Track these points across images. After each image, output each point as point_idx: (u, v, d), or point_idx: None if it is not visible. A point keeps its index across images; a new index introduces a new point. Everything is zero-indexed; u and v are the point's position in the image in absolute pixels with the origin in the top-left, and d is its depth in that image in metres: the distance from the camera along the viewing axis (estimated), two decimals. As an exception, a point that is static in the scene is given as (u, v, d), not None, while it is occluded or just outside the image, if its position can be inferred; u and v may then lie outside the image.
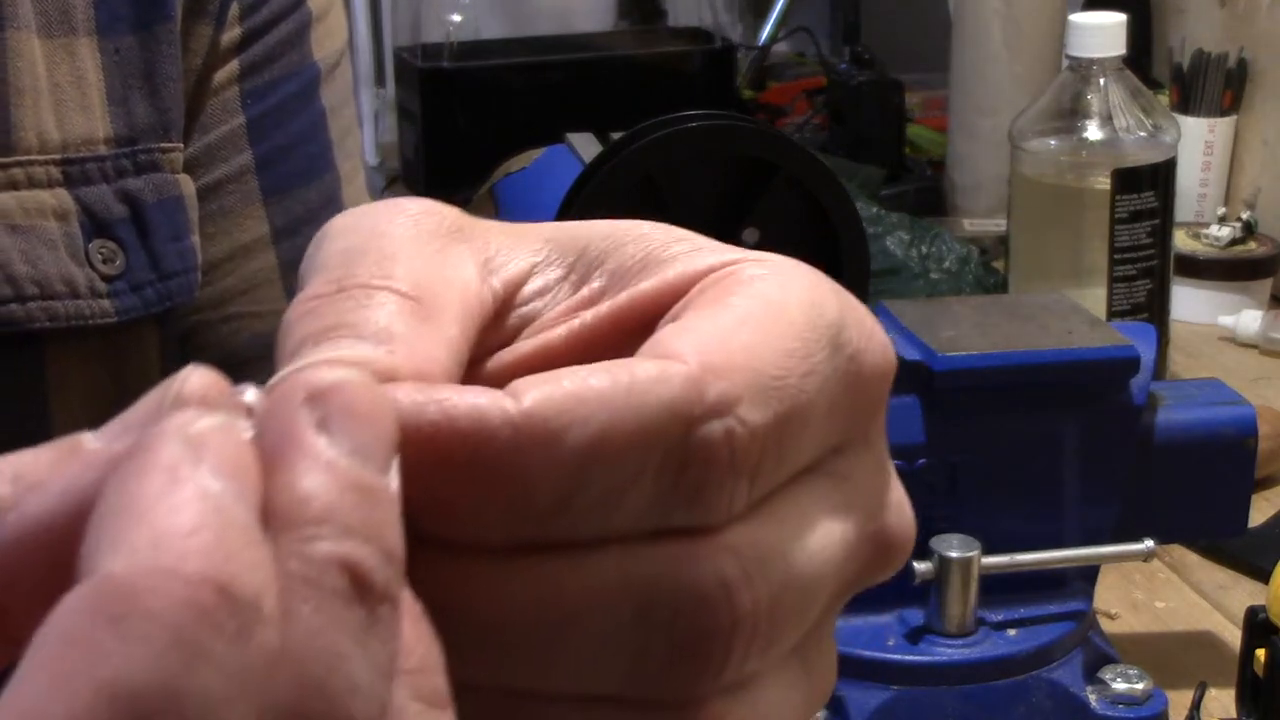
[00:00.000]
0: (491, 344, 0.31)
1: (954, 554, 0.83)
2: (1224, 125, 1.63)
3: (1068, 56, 1.36)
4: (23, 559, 0.24)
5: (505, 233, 0.32)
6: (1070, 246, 1.34)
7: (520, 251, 0.32)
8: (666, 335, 0.28)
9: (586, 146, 1.25)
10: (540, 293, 0.31)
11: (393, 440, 0.25)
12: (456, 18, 1.97)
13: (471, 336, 0.30)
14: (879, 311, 0.88)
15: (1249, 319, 1.46)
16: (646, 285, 0.30)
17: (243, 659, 0.21)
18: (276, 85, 0.70)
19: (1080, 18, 1.37)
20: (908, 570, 0.82)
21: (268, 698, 0.22)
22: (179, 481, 0.22)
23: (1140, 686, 0.84)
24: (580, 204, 1.03)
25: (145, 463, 0.23)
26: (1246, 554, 1.10)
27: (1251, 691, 0.87)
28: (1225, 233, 1.51)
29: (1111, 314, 1.30)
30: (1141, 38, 1.74)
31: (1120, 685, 0.84)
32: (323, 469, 0.24)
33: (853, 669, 0.83)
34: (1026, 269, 1.38)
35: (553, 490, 0.26)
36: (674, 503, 0.27)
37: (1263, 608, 0.86)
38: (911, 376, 0.84)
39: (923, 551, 0.83)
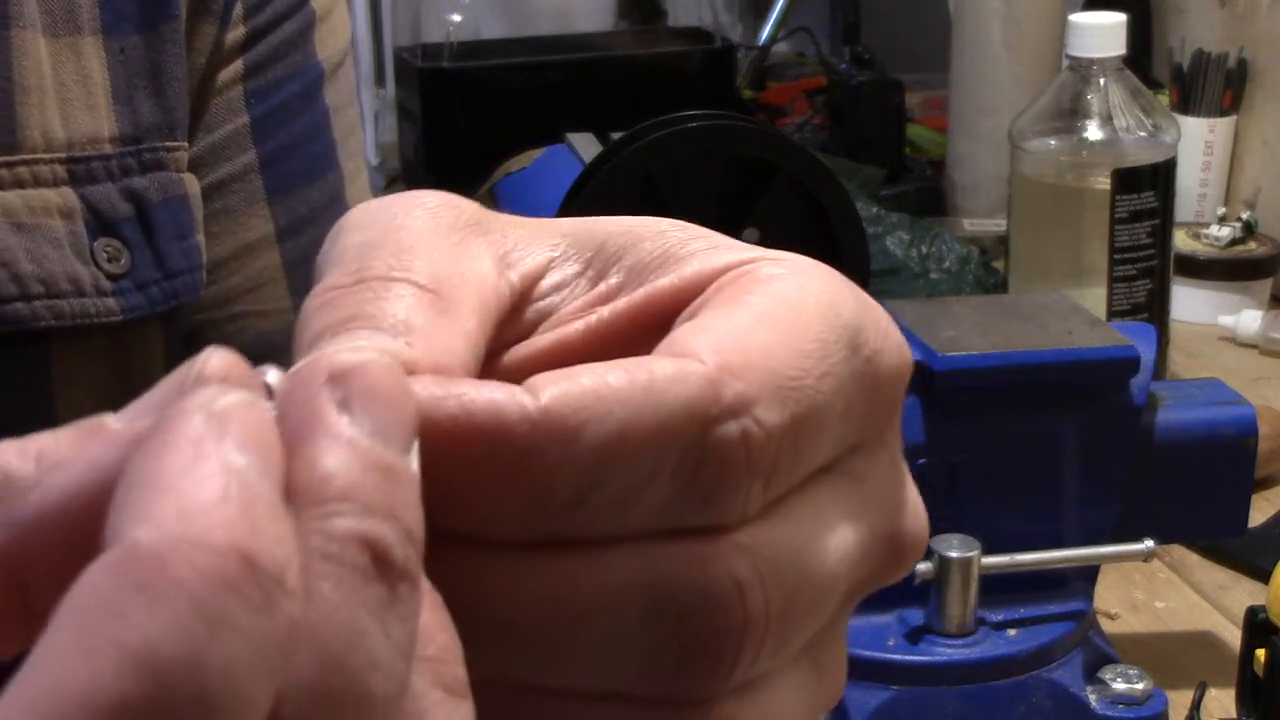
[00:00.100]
0: (508, 338, 0.31)
1: (954, 554, 0.83)
2: (1224, 125, 1.63)
3: (1068, 56, 1.36)
4: (46, 536, 0.24)
5: (523, 227, 0.32)
6: (1070, 246, 1.34)
7: (538, 246, 0.32)
8: (684, 334, 0.28)
9: (586, 146, 1.25)
10: (557, 287, 0.31)
11: (413, 423, 0.25)
12: (456, 18, 1.97)
13: (489, 330, 0.30)
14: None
15: (1249, 319, 1.46)
16: (664, 282, 0.30)
17: (267, 630, 0.22)
18: (280, 85, 0.70)
19: (1080, 18, 1.37)
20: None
21: (290, 671, 0.22)
22: (203, 455, 0.23)
23: (1140, 686, 0.84)
24: (580, 204, 1.03)
25: (169, 437, 0.23)
26: (1246, 554, 1.10)
27: (1251, 691, 0.87)
28: (1225, 233, 1.51)
29: (1111, 314, 1.30)
30: (1141, 38, 1.74)
31: (1120, 685, 0.84)
32: (344, 447, 0.24)
33: (853, 669, 0.83)
34: (1026, 269, 1.38)
35: (569, 487, 0.26)
36: (689, 502, 0.27)
37: (1263, 608, 0.86)
38: (911, 376, 0.84)
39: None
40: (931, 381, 0.84)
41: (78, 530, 0.24)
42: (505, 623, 0.27)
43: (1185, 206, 1.56)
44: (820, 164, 1.08)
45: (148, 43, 0.65)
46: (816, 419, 0.28)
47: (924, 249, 1.50)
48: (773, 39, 2.19)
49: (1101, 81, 1.34)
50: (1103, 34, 1.33)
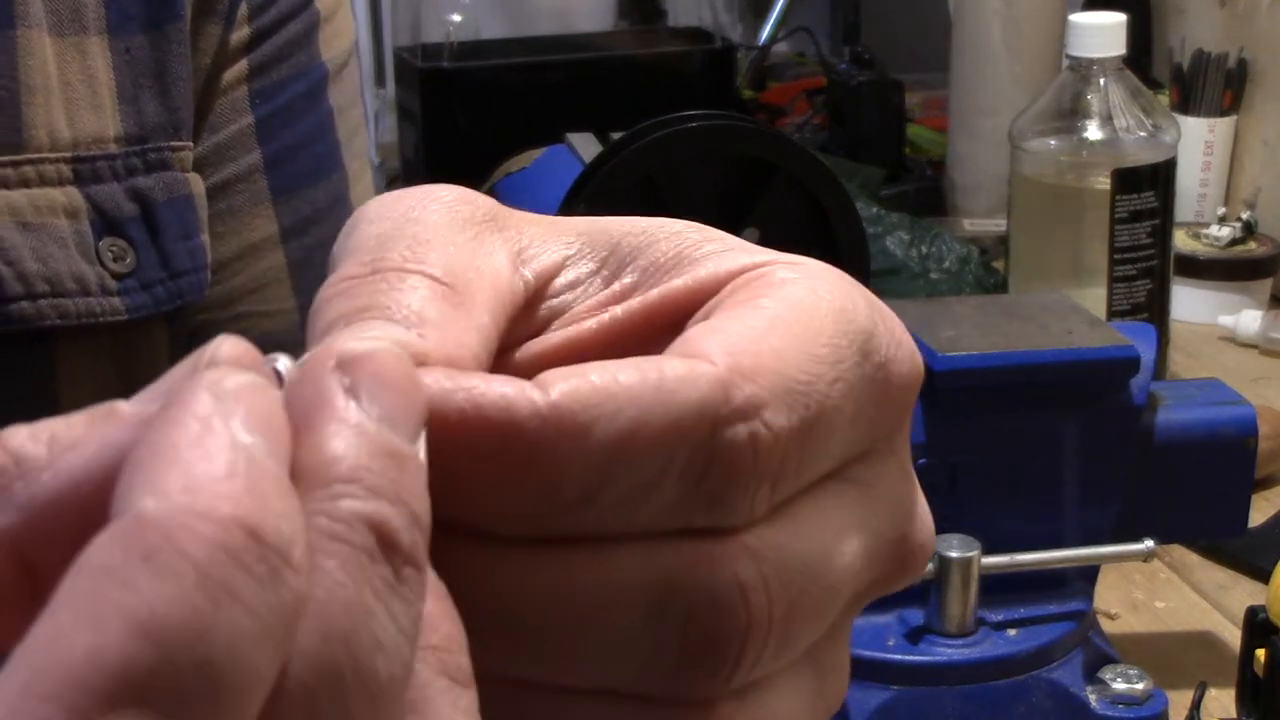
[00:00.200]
0: (521, 335, 0.31)
1: (954, 554, 0.83)
2: (1224, 125, 1.63)
3: (1068, 56, 1.36)
4: (58, 517, 0.25)
5: (538, 224, 0.32)
6: (1070, 246, 1.34)
7: (553, 244, 0.32)
8: (696, 335, 0.28)
9: (586, 146, 1.25)
10: (571, 285, 0.31)
11: (422, 412, 0.25)
12: (456, 18, 1.97)
13: (502, 326, 0.30)
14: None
15: (1249, 319, 1.46)
16: (678, 283, 0.30)
17: (271, 602, 0.22)
18: (285, 85, 0.70)
19: (1080, 18, 1.37)
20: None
21: (295, 647, 0.22)
22: (211, 431, 0.23)
23: (1140, 686, 0.84)
24: (580, 204, 1.03)
25: (177, 413, 0.23)
26: (1246, 554, 1.10)
27: (1251, 691, 0.87)
28: (1225, 233, 1.51)
29: (1111, 314, 1.30)
30: (1141, 38, 1.74)
31: (1120, 685, 0.84)
32: (352, 431, 0.24)
33: (853, 669, 0.83)
34: (1026, 269, 1.38)
35: (577, 484, 0.26)
36: (696, 503, 0.27)
37: (1263, 608, 0.86)
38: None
39: (923, 551, 0.83)
40: (931, 381, 0.84)
41: (89, 512, 0.24)
42: (509, 617, 0.27)
43: (1185, 206, 1.56)
44: (820, 164, 1.08)
45: (153, 42, 0.65)
46: (826, 423, 0.28)
47: (924, 249, 1.50)
48: (773, 39, 2.19)
49: (1101, 81, 1.34)
50: (1103, 34, 1.33)
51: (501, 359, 0.30)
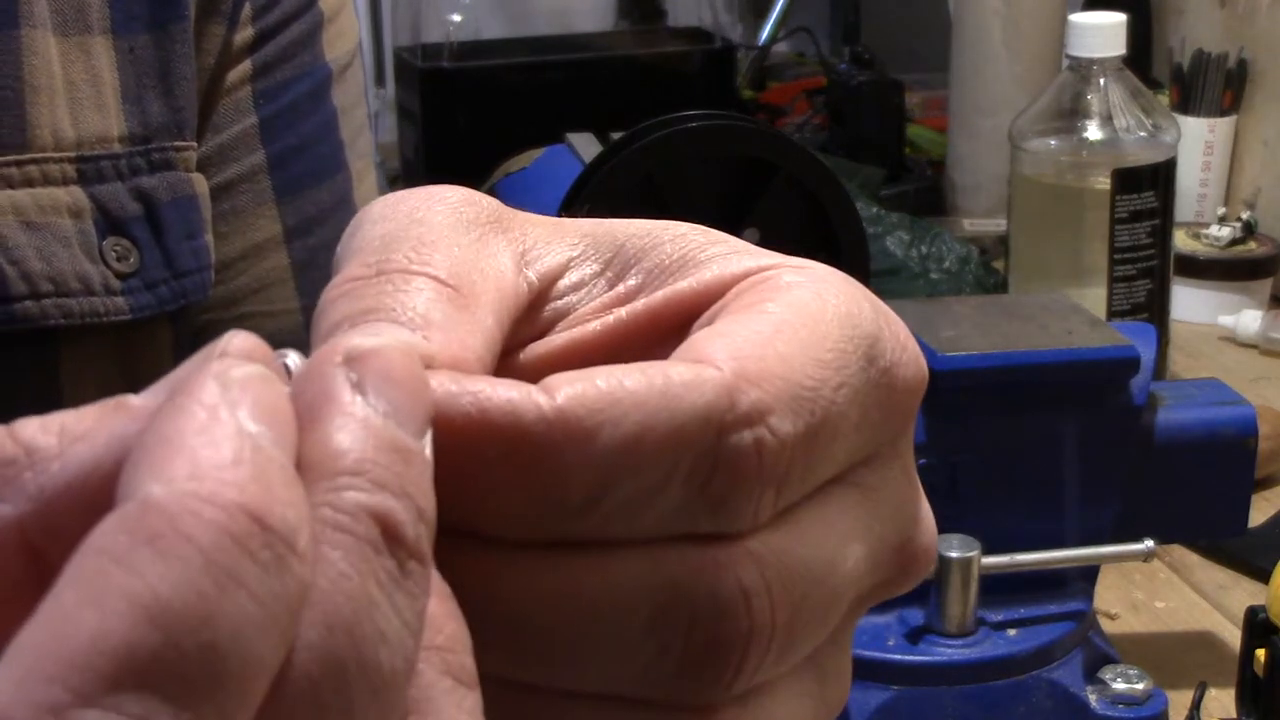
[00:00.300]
0: (525, 336, 0.31)
1: (954, 554, 0.83)
2: (1224, 125, 1.64)
3: (1068, 56, 1.36)
4: (67, 507, 0.25)
5: (542, 225, 0.32)
6: (1070, 246, 1.34)
7: (557, 245, 0.32)
8: (701, 339, 0.28)
9: (586, 146, 1.25)
10: (575, 287, 0.31)
11: (428, 409, 0.25)
12: (456, 18, 1.97)
13: (506, 327, 0.30)
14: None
15: (1249, 319, 1.46)
16: (683, 285, 0.30)
17: (275, 589, 0.22)
18: (288, 85, 0.70)
19: (1080, 18, 1.37)
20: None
21: (298, 637, 0.22)
22: (218, 420, 0.23)
23: (1140, 686, 0.84)
24: (580, 204, 1.03)
25: (185, 401, 0.23)
26: (1246, 554, 1.10)
27: (1251, 691, 0.87)
28: (1225, 233, 1.51)
29: (1111, 314, 1.30)
30: (1141, 38, 1.74)
31: (1120, 685, 0.84)
32: (359, 425, 0.24)
33: (853, 669, 0.83)
34: (1026, 269, 1.38)
35: (582, 488, 0.26)
36: (700, 508, 0.27)
37: (1263, 608, 0.86)
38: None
39: (923, 551, 0.83)
40: (932, 381, 0.84)
41: (98, 503, 0.24)
42: (513, 620, 0.27)
43: (1185, 206, 1.56)
44: (820, 164, 1.08)
45: (157, 42, 0.65)
46: (830, 429, 0.28)
47: (924, 249, 1.50)
48: (773, 39, 2.19)
49: (1101, 81, 1.34)
50: (1103, 34, 1.33)
51: (506, 360, 0.30)
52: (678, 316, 0.30)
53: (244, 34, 0.68)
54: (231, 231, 0.69)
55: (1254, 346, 1.46)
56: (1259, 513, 1.12)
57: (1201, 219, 1.61)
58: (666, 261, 0.31)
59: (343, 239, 0.31)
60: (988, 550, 0.84)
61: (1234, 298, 1.50)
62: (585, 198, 1.03)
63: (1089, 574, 0.89)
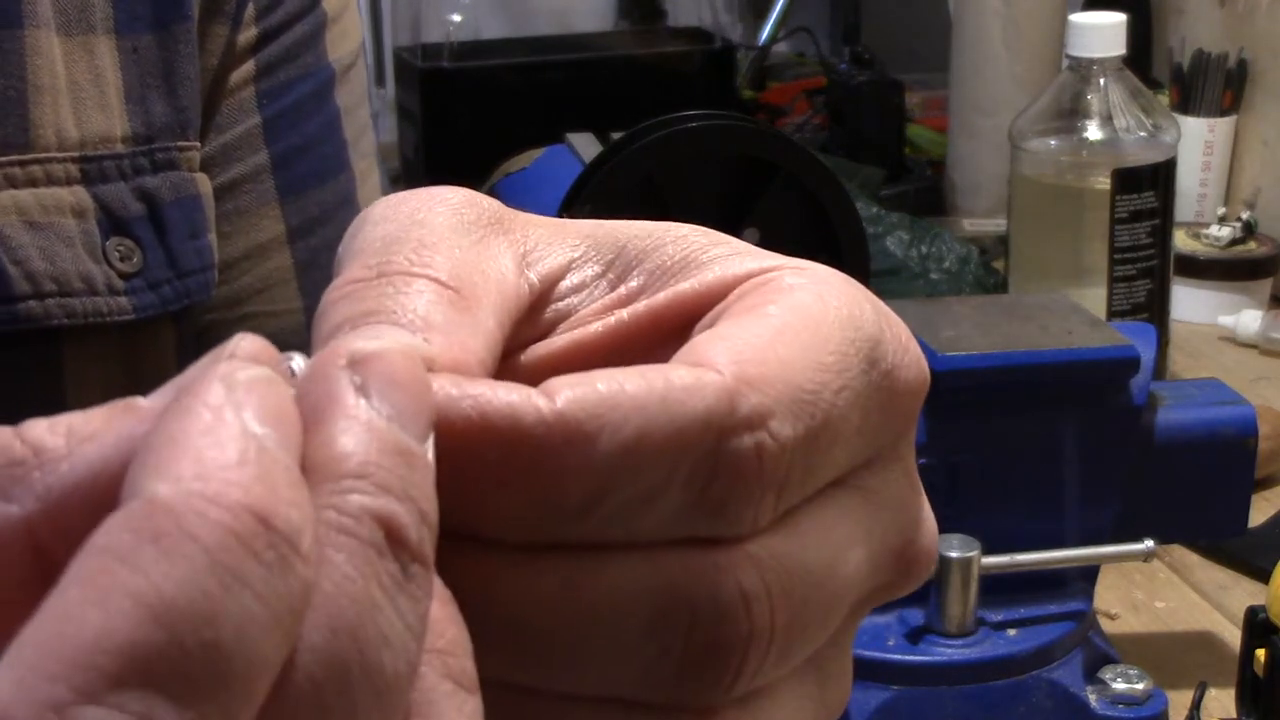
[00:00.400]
0: (526, 338, 0.31)
1: (954, 554, 0.83)
2: (1224, 125, 1.64)
3: (1068, 56, 1.36)
4: (75, 507, 0.25)
5: (544, 226, 0.32)
6: (1070, 246, 1.34)
7: (559, 246, 0.32)
8: (702, 343, 0.28)
9: (586, 146, 1.25)
10: (577, 289, 0.31)
11: (431, 412, 0.25)
12: (456, 18, 1.97)
13: (507, 329, 0.30)
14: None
15: (1249, 319, 1.46)
16: (685, 287, 0.30)
17: (280, 590, 0.22)
18: (292, 86, 0.70)
19: (1080, 18, 1.37)
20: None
21: (302, 638, 0.22)
22: (223, 421, 0.23)
23: (1140, 686, 0.84)
24: (580, 204, 1.03)
25: (190, 402, 0.23)
26: (1246, 554, 1.10)
27: (1251, 691, 0.87)
28: (1225, 233, 1.51)
29: (1111, 314, 1.30)
30: (1141, 38, 1.74)
31: (1120, 685, 0.84)
32: (362, 428, 0.24)
33: (853, 669, 0.83)
34: (1026, 269, 1.38)
35: (582, 492, 0.26)
36: (700, 512, 0.27)
37: (1263, 608, 0.86)
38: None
39: (923, 551, 0.83)
40: (932, 381, 0.84)
41: (106, 503, 0.24)
42: (511, 624, 0.27)
43: (1185, 206, 1.56)
44: (820, 164, 1.08)
45: (160, 42, 0.65)
46: (831, 433, 0.28)
47: (924, 249, 1.50)
48: (773, 39, 2.19)
49: (1101, 81, 1.34)
50: (1103, 34, 1.33)
51: (507, 362, 0.30)
52: (679, 318, 0.30)
53: (247, 34, 0.69)
54: (234, 231, 0.69)
55: (1254, 346, 1.46)
56: (1259, 513, 1.12)
57: (1201, 219, 1.61)
58: (668, 263, 0.31)
59: (344, 240, 0.31)
60: (988, 550, 0.84)
61: (1234, 298, 1.50)
62: (585, 198, 1.04)
63: (1089, 574, 0.89)
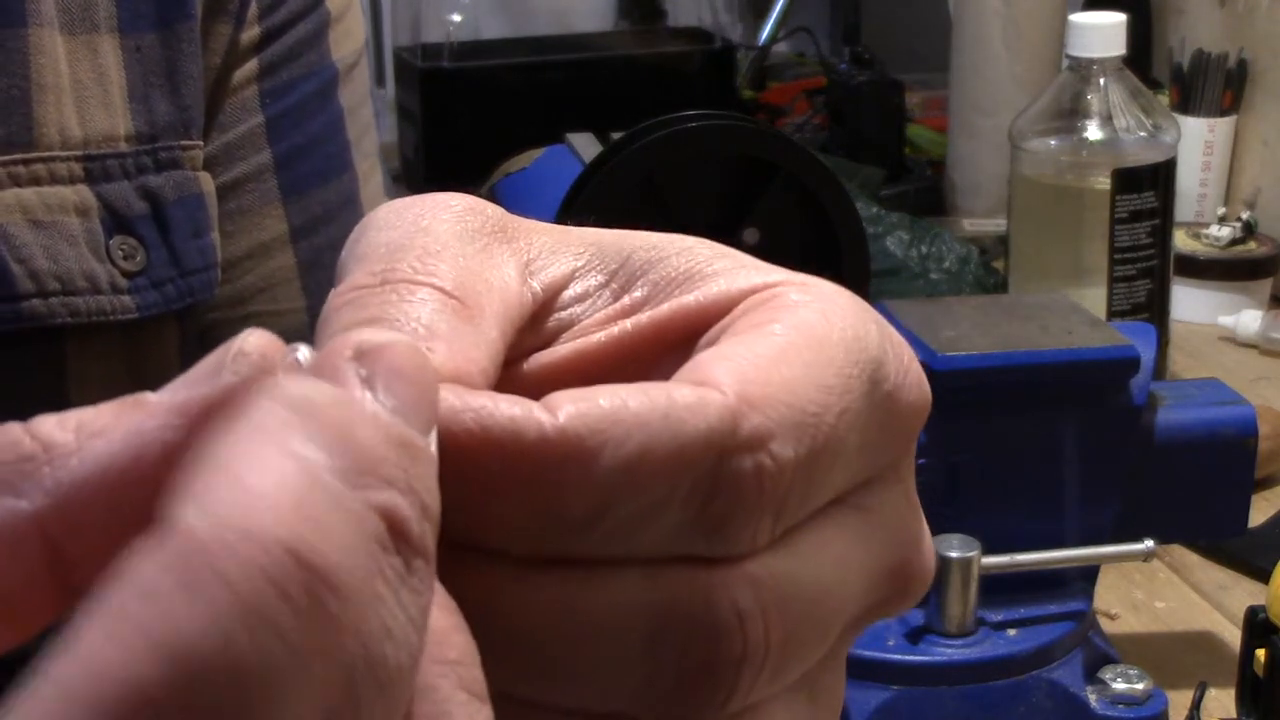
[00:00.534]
0: (528, 346, 0.31)
1: (954, 554, 0.83)
2: (1224, 125, 1.64)
3: (1068, 56, 1.36)
4: (85, 502, 0.25)
5: (547, 234, 0.32)
6: (1070, 246, 1.34)
7: (562, 255, 0.32)
8: (706, 360, 0.28)
9: (586, 146, 1.25)
10: (580, 298, 0.31)
11: (434, 406, 0.25)
12: (456, 18, 1.97)
13: (509, 338, 0.30)
14: (878, 310, 0.88)
15: (1249, 319, 1.46)
16: (689, 299, 0.30)
17: (310, 634, 0.21)
18: (295, 85, 0.70)
19: (1080, 18, 1.37)
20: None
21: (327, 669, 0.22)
22: (267, 442, 0.22)
23: (1140, 686, 0.84)
24: (580, 204, 1.03)
25: (234, 420, 0.23)
26: (1246, 554, 1.10)
27: (1251, 691, 0.87)
28: (1225, 233, 1.51)
29: (1111, 314, 1.30)
30: (1141, 38, 1.74)
31: (1120, 685, 0.84)
32: (367, 420, 0.24)
33: (853, 669, 0.83)
34: (1026, 269, 1.38)
35: (582, 507, 0.26)
36: (699, 530, 0.27)
37: (1263, 608, 0.86)
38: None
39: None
40: (932, 381, 0.84)
41: (119, 498, 0.24)
42: (512, 635, 0.27)
43: (1185, 206, 1.56)
44: (820, 164, 1.08)
45: (164, 41, 0.65)
46: (832, 454, 0.28)
47: (924, 249, 1.50)
48: (773, 39, 2.19)
49: (1101, 81, 1.34)
50: (1103, 34, 1.33)
51: (509, 370, 0.30)
52: (683, 330, 0.30)
53: (250, 33, 0.69)
54: (237, 230, 0.69)
55: (1254, 346, 1.46)
56: (1259, 513, 1.12)
57: (1201, 219, 1.61)
58: (673, 275, 0.31)
59: (347, 244, 0.31)
60: (988, 550, 0.84)
61: (1234, 298, 1.50)
62: (585, 198, 1.03)
63: (1089, 574, 0.89)
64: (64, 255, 0.62)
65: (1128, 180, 1.30)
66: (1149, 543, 0.85)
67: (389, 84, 2.02)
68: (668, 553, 0.27)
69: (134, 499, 0.24)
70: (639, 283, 0.31)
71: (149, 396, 0.25)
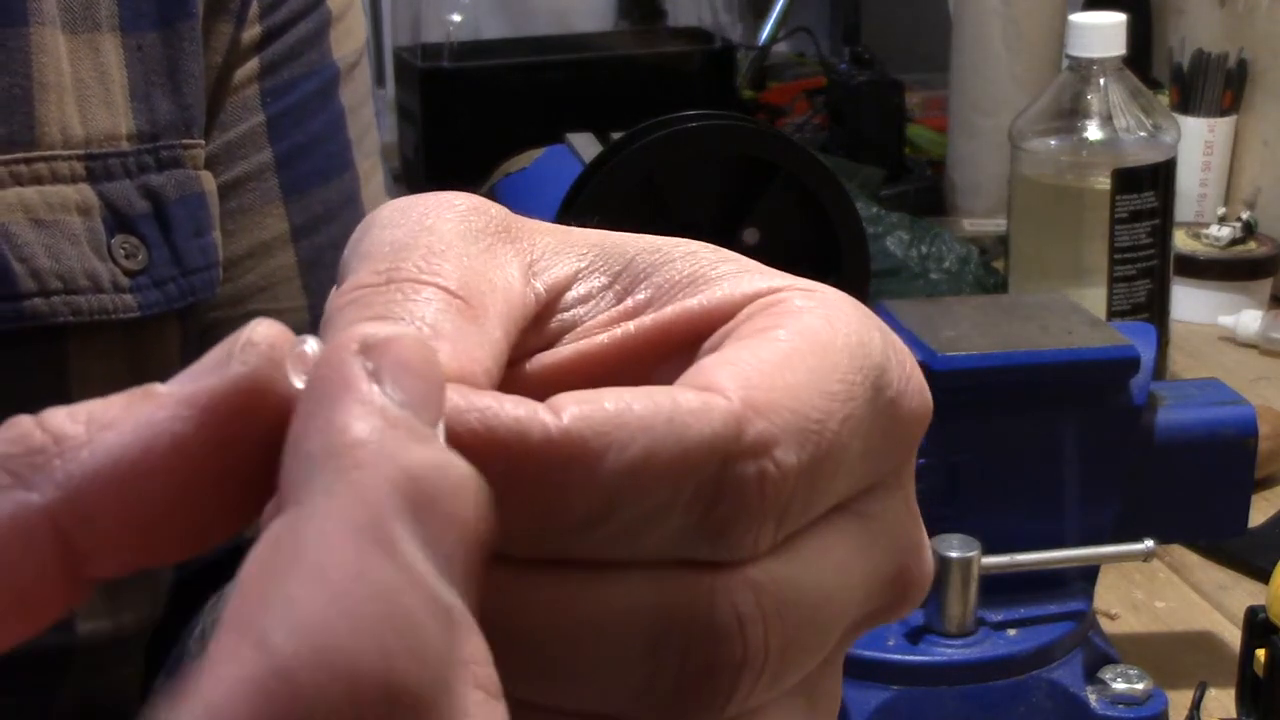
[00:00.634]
0: (531, 346, 0.31)
1: (954, 554, 0.83)
2: (1224, 125, 1.64)
3: (1068, 56, 1.36)
4: (96, 494, 0.25)
5: (551, 234, 0.32)
6: (1070, 246, 1.34)
7: (565, 256, 0.32)
8: (710, 365, 0.28)
9: (586, 146, 1.25)
10: (583, 299, 0.31)
11: (442, 399, 0.25)
12: (456, 18, 1.97)
13: (513, 339, 0.30)
14: (878, 311, 0.88)
15: (1249, 319, 1.46)
16: (693, 302, 0.30)
17: None
18: (296, 84, 0.70)
19: (1080, 18, 1.37)
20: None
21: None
22: (368, 552, 0.21)
23: (1140, 686, 0.84)
24: (580, 204, 1.03)
25: (329, 518, 0.22)
26: (1246, 554, 1.10)
27: (1251, 691, 0.87)
28: (1225, 233, 1.51)
29: (1111, 314, 1.30)
30: (1141, 38, 1.74)
31: (1120, 685, 0.84)
32: (376, 414, 0.24)
33: (853, 669, 0.83)
34: (1026, 269, 1.38)
35: (584, 510, 0.26)
36: (701, 535, 0.27)
37: (1263, 608, 0.86)
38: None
39: (923, 551, 0.83)
40: (931, 381, 0.84)
41: (130, 490, 0.24)
42: (512, 635, 0.27)
43: (1185, 206, 1.56)
44: (820, 164, 1.08)
45: (165, 40, 0.65)
46: (834, 461, 0.28)
47: (924, 249, 1.50)
48: (773, 39, 2.19)
49: (1101, 81, 1.34)
50: (1103, 34, 1.33)
51: (511, 370, 0.30)
52: (686, 334, 0.30)
53: (251, 32, 0.69)
54: (238, 229, 0.69)
55: (1254, 346, 1.46)
56: (1259, 513, 1.12)
57: (1201, 219, 1.61)
58: (677, 278, 0.31)
59: (350, 242, 0.31)
60: (988, 550, 0.84)
61: (1234, 298, 1.50)
62: (585, 198, 1.03)
63: (1089, 574, 0.89)
64: (66, 254, 0.62)
65: (1128, 180, 1.30)
66: (1149, 543, 0.85)
67: (389, 84, 2.02)
68: (670, 556, 0.27)
69: (145, 492, 0.24)
70: (642, 285, 0.31)
71: (158, 388, 0.26)
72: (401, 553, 0.22)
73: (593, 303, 0.31)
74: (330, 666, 0.20)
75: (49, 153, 0.62)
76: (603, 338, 0.31)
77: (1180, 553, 1.12)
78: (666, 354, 0.30)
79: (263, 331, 0.25)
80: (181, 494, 0.25)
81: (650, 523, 0.27)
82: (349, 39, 0.73)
